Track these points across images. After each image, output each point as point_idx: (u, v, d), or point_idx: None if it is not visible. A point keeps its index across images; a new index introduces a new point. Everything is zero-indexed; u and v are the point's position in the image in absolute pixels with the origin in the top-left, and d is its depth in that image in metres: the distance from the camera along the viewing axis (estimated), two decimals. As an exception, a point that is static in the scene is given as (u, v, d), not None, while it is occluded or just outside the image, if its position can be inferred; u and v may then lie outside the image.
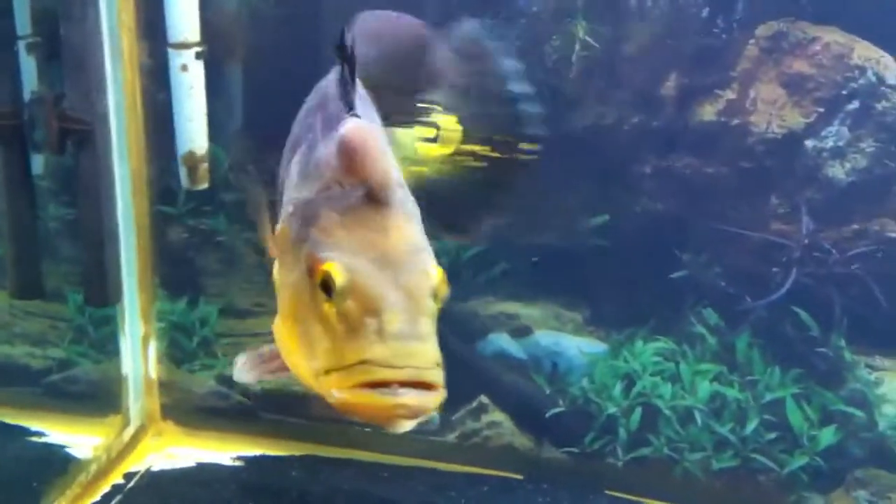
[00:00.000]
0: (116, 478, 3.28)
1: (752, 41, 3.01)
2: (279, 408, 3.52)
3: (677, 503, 3.26)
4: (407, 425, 1.18)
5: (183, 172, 3.10)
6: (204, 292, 3.49)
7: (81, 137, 2.94)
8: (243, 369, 1.53)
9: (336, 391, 1.15)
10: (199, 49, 3.01)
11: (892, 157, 2.97)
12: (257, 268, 3.38)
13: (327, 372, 1.17)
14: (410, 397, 1.13)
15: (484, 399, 3.42)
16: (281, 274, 1.31)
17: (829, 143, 3.01)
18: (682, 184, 3.09)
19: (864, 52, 2.97)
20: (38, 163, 3.11)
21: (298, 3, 3.26)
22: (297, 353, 1.24)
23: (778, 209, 3.04)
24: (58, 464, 3.24)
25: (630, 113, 3.09)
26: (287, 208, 1.32)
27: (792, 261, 3.03)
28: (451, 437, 3.46)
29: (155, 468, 3.37)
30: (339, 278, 1.17)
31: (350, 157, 1.24)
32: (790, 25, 2.99)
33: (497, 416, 3.43)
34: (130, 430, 3.49)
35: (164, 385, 3.57)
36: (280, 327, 1.29)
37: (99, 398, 3.52)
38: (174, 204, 3.40)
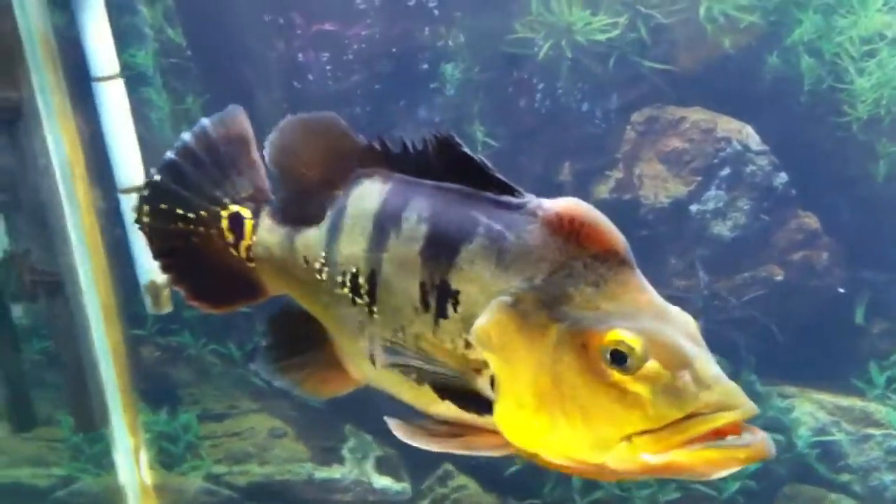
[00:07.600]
0: (127, 580, 3.60)
1: (628, 126, 3.37)
2: (263, 497, 3.84)
3: (634, 537, 3.56)
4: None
5: (147, 300, 3.41)
6: (181, 402, 3.82)
7: (51, 286, 3.26)
8: (404, 433, 1.41)
9: (651, 455, 1.18)
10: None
11: (766, 212, 3.33)
12: (224, 376, 3.72)
13: (633, 437, 1.19)
14: (754, 440, 1.17)
15: (448, 466, 3.73)
16: (511, 363, 1.29)
17: (711, 206, 3.36)
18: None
19: (726, 125, 3.33)
20: (17, 309, 3.45)
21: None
22: (569, 429, 1.24)
23: (676, 268, 3.37)
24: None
25: (535, 199, 3.42)
26: (502, 300, 1.30)
27: (696, 311, 3.33)
28: (424, 504, 3.78)
29: (160, 566, 3.68)
30: (636, 343, 1.19)
31: (584, 231, 1.27)
32: (659, 110, 3.36)
33: (462, 480, 3.73)
34: (133, 534, 3.80)
35: (158, 489, 3.88)
36: (519, 413, 1.28)
37: (102, 508, 3.85)
38: (144, 327, 3.74)
